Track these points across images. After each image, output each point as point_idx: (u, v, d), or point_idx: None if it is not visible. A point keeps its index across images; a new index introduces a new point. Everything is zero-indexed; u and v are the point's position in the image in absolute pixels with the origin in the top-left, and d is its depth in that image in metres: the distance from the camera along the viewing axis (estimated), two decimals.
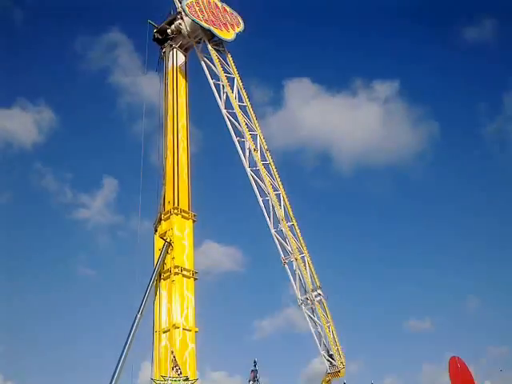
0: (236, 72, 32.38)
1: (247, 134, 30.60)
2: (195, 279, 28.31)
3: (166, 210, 29.57)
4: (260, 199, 30.03)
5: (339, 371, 28.30)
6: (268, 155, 31.14)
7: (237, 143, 30.72)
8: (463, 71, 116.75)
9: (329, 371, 28.60)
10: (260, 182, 30.21)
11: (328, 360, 28.67)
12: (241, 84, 32.15)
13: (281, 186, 30.56)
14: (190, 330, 26.47)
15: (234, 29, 33.47)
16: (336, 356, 28.48)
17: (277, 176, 30.84)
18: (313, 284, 29.43)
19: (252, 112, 31.92)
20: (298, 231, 30.19)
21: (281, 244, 29.86)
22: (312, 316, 29.24)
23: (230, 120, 30.91)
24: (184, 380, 22.15)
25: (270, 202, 29.89)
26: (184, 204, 29.92)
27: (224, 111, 30.99)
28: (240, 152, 30.59)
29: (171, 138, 31.18)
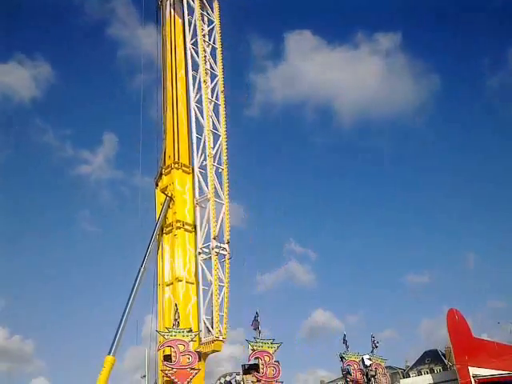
0: (218, 18, 31.32)
1: (202, 67, 29.14)
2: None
3: (167, 164, 29.31)
4: (194, 135, 28.22)
5: (213, 342, 24.15)
6: (222, 97, 29.66)
7: (190, 75, 29.31)
8: (466, 24, 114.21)
9: (202, 340, 24.45)
10: (200, 119, 28.43)
11: (207, 326, 24.75)
12: (218, 29, 31.10)
13: (223, 130, 28.85)
14: (193, 283, 26.72)
15: None
16: (215, 323, 24.35)
17: (223, 120, 29.19)
18: (220, 236, 26.43)
19: (220, 55, 30.61)
20: (226, 178, 27.94)
21: (200, 185, 27.58)
22: (206, 270, 25.95)
23: (192, 55, 29.67)
24: (187, 331, 22.38)
25: (203, 139, 27.88)
26: (184, 158, 29.59)
27: (189, 45, 29.78)
28: (190, 84, 29.14)
29: (170, 90, 30.53)
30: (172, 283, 26.47)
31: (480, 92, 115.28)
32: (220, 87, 29.93)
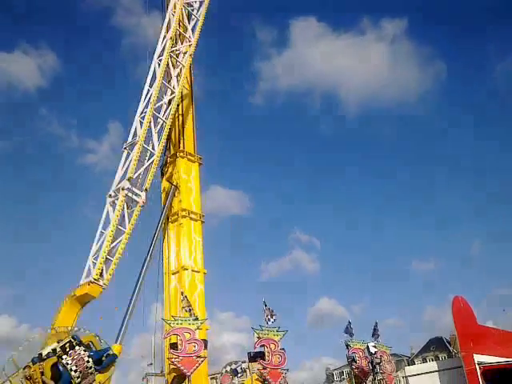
0: None
1: (173, 28, 27.97)
2: (202, 222, 28.46)
3: (172, 153, 29.33)
4: (147, 86, 26.23)
5: (89, 284, 21.08)
6: (189, 60, 28.74)
7: (162, 34, 27.79)
8: (473, 10, 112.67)
9: (80, 281, 21.67)
10: (157, 72, 26.59)
11: (89, 269, 21.98)
12: (206, 5, 30.32)
13: (179, 90, 27.35)
14: (199, 272, 26.85)
15: None
16: (99, 264, 21.55)
17: (182, 81, 27.82)
18: (138, 183, 23.95)
19: (200, 27, 29.84)
20: (166, 132, 26.07)
21: (136, 130, 25.20)
22: (111, 212, 23.20)
23: (169, 19, 28.63)
24: (194, 320, 22.50)
25: (153, 91, 25.87)
26: (190, 147, 29.68)
27: (170, 11, 28.89)
28: (160, 41, 27.55)
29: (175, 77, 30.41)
30: (178, 272, 26.59)
31: (486, 78, 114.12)
32: (190, 51, 28.89)
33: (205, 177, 30.57)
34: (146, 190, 24.02)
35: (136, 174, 23.91)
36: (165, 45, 27.36)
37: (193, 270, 26.52)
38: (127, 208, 23.22)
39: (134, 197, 23.43)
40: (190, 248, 27.05)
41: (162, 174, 29.25)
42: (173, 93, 27.11)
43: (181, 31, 29.43)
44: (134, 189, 23.44)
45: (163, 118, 26.01)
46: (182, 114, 30.20)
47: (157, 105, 25.84)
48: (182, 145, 29.23)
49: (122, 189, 23.03)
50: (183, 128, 29.84)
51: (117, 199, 23.13)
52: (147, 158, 24.71)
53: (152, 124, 25.39)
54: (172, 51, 27.67)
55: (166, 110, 26.35)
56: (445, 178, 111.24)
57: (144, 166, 24.37)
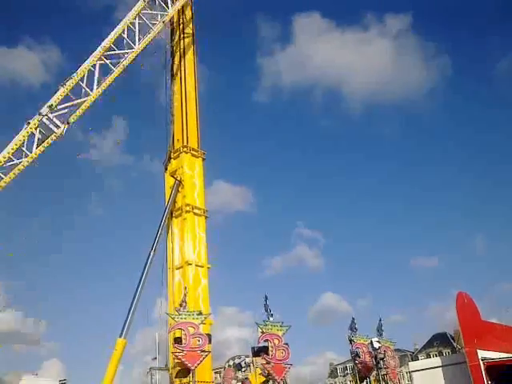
0: None
1: None
2: (206, 217, 28.46)
3: (176, 148, 29.34)
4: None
5: None
6: (159, 27, 26.94)
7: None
8: (477, 4, 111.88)
9: None
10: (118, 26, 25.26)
11: None
12: None
13: (141, 47, 25.70)
14: (203, 267, 26.86)
15: None
16: None
17: (146, 41, 25.96)
18: (65, 116, 22.70)
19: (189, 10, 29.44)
20: (111, 82, 24.60)
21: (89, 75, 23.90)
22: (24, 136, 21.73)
23: None
24: (197, 314, 22.57)
25: (108, 38, 24.65)
26: (193, 142, 29.65)
27: None
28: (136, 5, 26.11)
29: (178, 73, 30.45)
30: (182, 266, 26.62)
31: (490, 74, 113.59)
32: (164, 18, 27.34)
33: (208, 172, 30.63)
34: (68, 123, 22.77)
35: (62, 107, 22.77)
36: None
37: (197, 265, 26.53)
38: (41, 135, 22.08)
39: (52, 126, 22.30)
40: (194, 243, 27.07)
41: (166, 169, 29.34)
42: (133, 48, 25.65)
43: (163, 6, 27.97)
44: (54, 118, 22.32)
45: (115, 69, 24.83)
46: (186, 110, 30.12)
47: (110, 52, 24.75)
48: (185, 140, 29.21)
49: (40, 114, 21.93)
50: (187, 123, 29.79)
51: (35, 124, 21.94)
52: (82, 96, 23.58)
53: (97, 69, 24.24)
54: (144, 14, 26.32)
55: (121, 64, 25.13)
56: (449, 172, 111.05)
57: (74, 102, 23.17)
